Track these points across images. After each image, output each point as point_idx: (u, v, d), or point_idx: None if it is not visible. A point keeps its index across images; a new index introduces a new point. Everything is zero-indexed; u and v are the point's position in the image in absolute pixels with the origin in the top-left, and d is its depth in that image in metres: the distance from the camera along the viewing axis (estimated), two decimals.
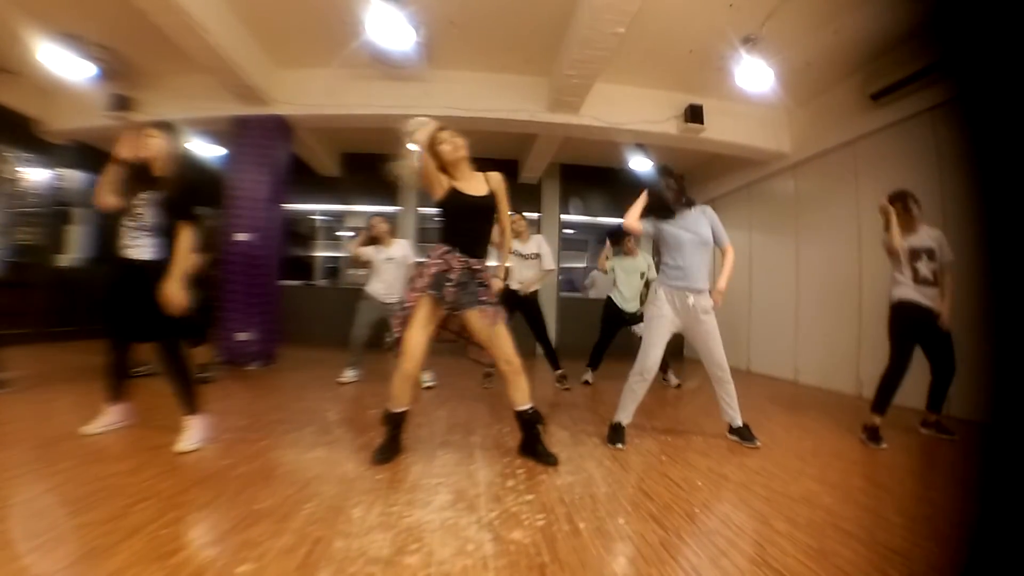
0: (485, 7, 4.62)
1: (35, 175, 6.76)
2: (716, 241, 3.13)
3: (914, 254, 3.42)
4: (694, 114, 5.85)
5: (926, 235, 3.45)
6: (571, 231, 9.37)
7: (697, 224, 3.08)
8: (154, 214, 2.69)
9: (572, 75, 4.93)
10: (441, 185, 2.57)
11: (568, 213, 8.99)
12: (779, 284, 6.63)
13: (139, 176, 2.73)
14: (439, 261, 2.51)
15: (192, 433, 2.60)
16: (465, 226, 2.59)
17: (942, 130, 4.43)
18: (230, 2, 4.63)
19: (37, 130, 6.50)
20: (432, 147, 2.54)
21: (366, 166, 7.63)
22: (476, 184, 2.64)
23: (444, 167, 2.61)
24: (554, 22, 4.69)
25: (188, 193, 2.75)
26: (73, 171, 7.26)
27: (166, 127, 2.83)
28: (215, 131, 6.48)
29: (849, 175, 5.51)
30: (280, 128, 5.91)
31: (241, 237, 5.63)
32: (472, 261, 2.55)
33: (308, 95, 5.74)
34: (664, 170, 3.21)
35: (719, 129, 6.04)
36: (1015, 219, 0.93)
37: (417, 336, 2.46)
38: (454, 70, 5.67)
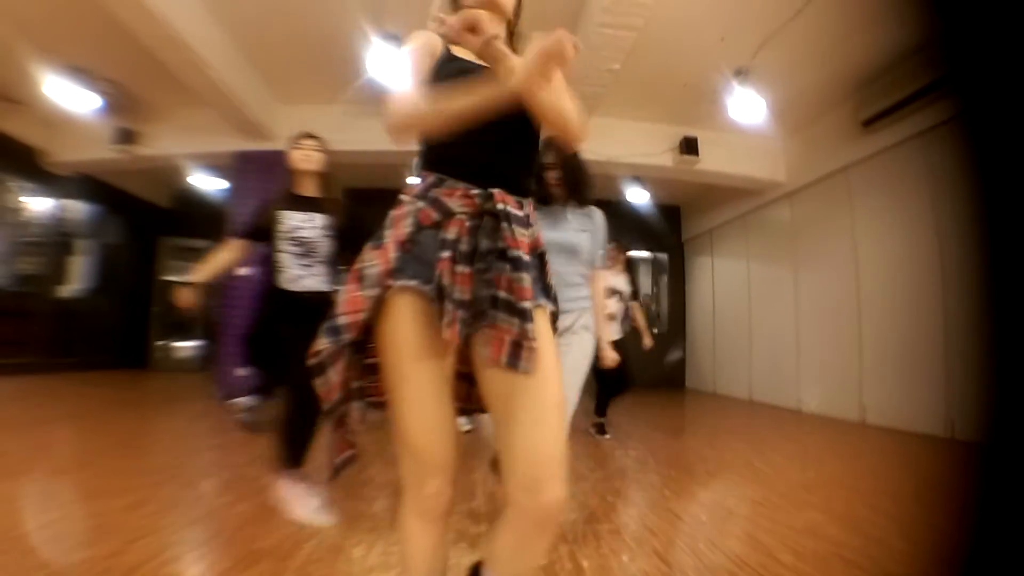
0: None
1: (38, 205, 6.83)
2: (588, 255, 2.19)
3: (608, 291, 3.79)
4: (689, 146, 5.96)
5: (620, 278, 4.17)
6: None
7: (570, 226, 2.21)
8: (330, 241, 2.39)
9: None
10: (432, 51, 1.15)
11: None
12: (779, 312, 6.65)
13: (305, 197, 2.48)
14: (418, 205, 1.03)
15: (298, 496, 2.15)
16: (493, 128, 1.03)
17: (934, 153, 4.51)
18: (234, 39, 4.76)
19: (42, 161, 6.60)
20: None
21: (367, 201, 7.70)
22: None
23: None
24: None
25: (361, 221, 2.33)
26: (76, 202, 7.34)
27: (319, 139, 2.57)
28: (218, 165, 6.58)
29: (844, 201, 5.58)
30: (282, 163, 5.98)
31: (243, 271, 5.66)
32: (509, 201, 1.03)
33: (310, 131, 5.84)
34: (547, 144, 2.14)
35: (714, 160, 6.15)
36: (1018, 234, 0.93)
37: (420, 417, 0.99)
38: None
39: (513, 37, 1.31)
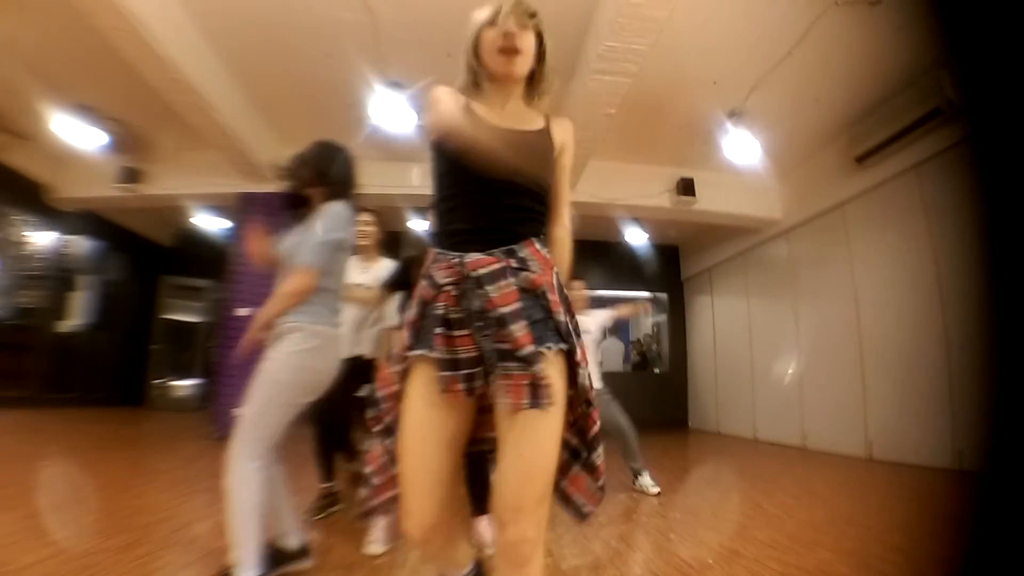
0: None
1: (41, 239, 6.89)
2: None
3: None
4: (686, 187, 6.07)
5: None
6: None
7: (299, 230, 2.02)
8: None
9: None
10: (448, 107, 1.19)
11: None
12: (779, 349, 6.63)
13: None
14: (427, 278, 1.16)
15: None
16: (489, 190, 1.13)
17: (928, 186, 4.58)
18: (240, 83, 4.89)
19: (46, 196, 6.66)
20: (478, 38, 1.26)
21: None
22: (525, 117, 1.31)
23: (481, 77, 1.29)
24: (548, 105, 4.94)
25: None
26: (79, 238, 7.41)
27: (374, 213, 2.65)
28: (221, 206, 6.67)
29: (841, 236, 5.64)
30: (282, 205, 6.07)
31: (243, 312, 5.68)
32: (483, 263, 1.10)
33: (365, 205, 5.95)
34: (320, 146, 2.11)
35: (711, 200, 6.25)
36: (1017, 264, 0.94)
37: (419, 462, 1.10)
38: None
39: (534, 83, 1.32)
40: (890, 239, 5.01)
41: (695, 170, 6.18)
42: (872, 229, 5.24)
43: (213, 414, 5.88)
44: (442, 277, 1.10)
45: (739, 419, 7.23)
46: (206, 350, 8.59)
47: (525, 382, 1.00)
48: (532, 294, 1.09)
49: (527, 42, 1.21)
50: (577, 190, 5.96)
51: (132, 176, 6.18)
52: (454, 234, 1.15)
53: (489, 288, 1.06)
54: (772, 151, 5.49)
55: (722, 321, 8.10)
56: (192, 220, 7.73)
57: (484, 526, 2.37)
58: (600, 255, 8.89)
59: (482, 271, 1.07)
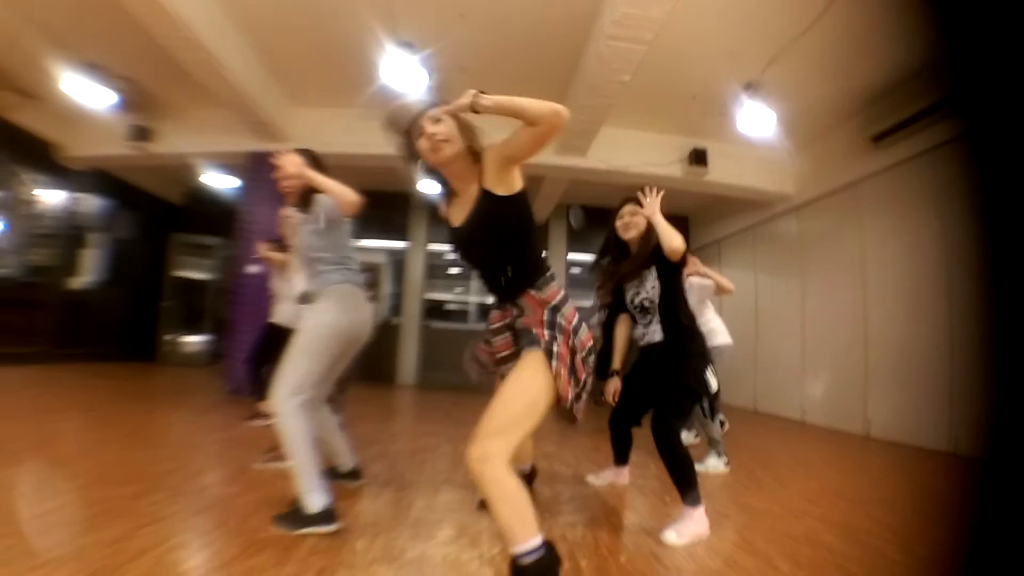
0: (495, 55, 4.81)
1: (52, 198, 6.94)
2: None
3: None
4: (698, 157, 6.00)
5: None
6: (578, 270, 9.46)
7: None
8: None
9: (579, 120, 5.09)
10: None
11: (576, 251, 9.18)
12: (785, 324, 6.65)
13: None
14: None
15: (688, 523, 2.14)
16: (482, 275, 1.77)
17: (943, 170, 4.52)
18: (250, 42, 4.84)
19: (57, 155, 6.71)
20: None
21: (377, 204, 7.79)
22: (470, 191, 1.61)
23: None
24: (561, 69, 4.88)
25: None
26: (90, 196, 7.45)
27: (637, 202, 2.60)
28: (231, 164, 6.67)
29: (852, 215, 5.60)
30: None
31: (253, 269, 5.74)
32: (508, 310, 1.70)
33: (323, 133, 5.93)
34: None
35: (723, 172, 6.18)
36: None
37: None
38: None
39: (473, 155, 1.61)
40: (902, 221, 4.96)
41: (708, 141, 6.10)
42: (884, 210, 5.19)
43: (223, 369, 6.01)
44: (487, 325, 1.85)
45: (740, 390, 7.30)
46: (216, 307, 8.72)
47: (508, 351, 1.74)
48: (526, 331, 1.57)
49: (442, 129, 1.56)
50: (588, 156, 5.91)
51: (142, 134, 6.19)
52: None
53: (495, 339, 1.79)
54: (787, 126, 5.40)
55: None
56: (202, 178, 7.74)
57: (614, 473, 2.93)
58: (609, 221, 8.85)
59: (494, 326, 1.79)
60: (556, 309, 1.58)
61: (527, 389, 1.45)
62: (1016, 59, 0.91)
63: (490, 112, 1.43)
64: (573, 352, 1.54)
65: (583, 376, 1.55)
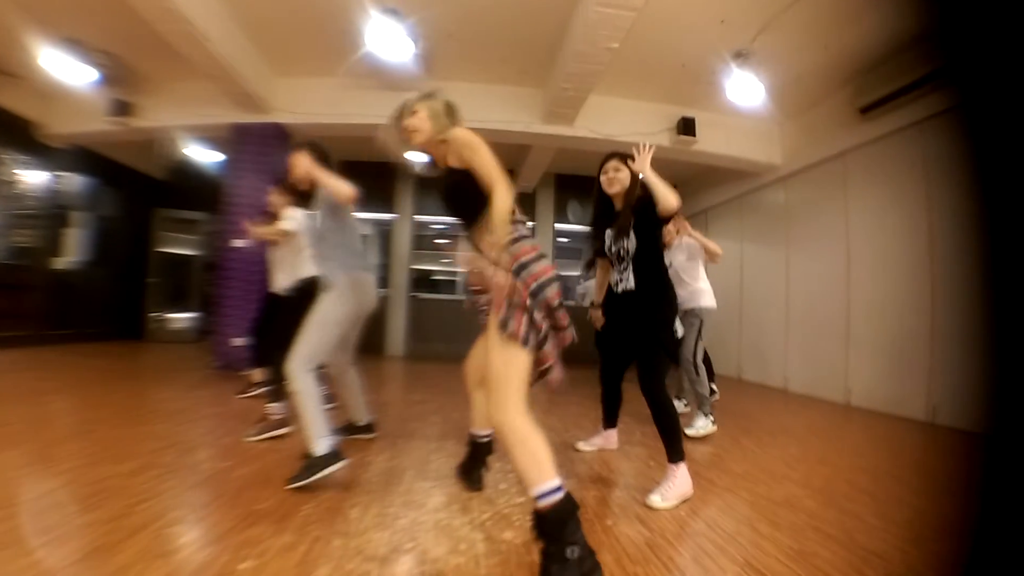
0: (483, 21, 4.72)
1: (33, 178, 6.79)
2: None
3: None
4: (686, 126, 5.96)
5: None
6: (566, 240, 9.47)
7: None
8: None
9: (567, 87, 5.03)
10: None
11: (563, 222, 9.14)
12: (769, 293, 6.73)
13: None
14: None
15: (672, 485, 2.22)
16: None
17: (931, 143, 4.54)
18: (232, 12, 4.70)
19: (37, 133, 6.54)
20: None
21: (363, 174, 7.72)
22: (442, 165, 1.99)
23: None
24: (549, 36, 4.80)
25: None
26: (72, 174, 7.31)
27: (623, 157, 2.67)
28: (215, 137, 6.55)
29: (838, 187, 5.62)
30: (279, 136, 5.98)
31: (239, 243, 5.69)
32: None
33: (307, 104, 5.83)
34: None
35: (711, 141, 6.16)
36: (1016, 226, 0.96)
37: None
38: (451, 81, 5.74)
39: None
40: (888, 194, 4.99)
41: (697, 110, 6.06)
42: (870, 182, 5.22)
43: (212, 345, 6.02)
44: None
45: (724, 359, 7.41)
46: (202, 282, 8.65)
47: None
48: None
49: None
50: (575, 125, 5.86)
51: (123, 109, 6.03)
52: None
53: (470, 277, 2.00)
54: (776, 95, 5.38)
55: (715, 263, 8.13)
56: (185, 152, 7.59)
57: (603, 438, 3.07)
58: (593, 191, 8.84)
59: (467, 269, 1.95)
60: (523, 267, 1.62)
61: (498, 353, 1.57)
62: (1012, 31, 0.91)
63: None
64: (525, 290, 1.59)
65: (535, 313, 1.60)
